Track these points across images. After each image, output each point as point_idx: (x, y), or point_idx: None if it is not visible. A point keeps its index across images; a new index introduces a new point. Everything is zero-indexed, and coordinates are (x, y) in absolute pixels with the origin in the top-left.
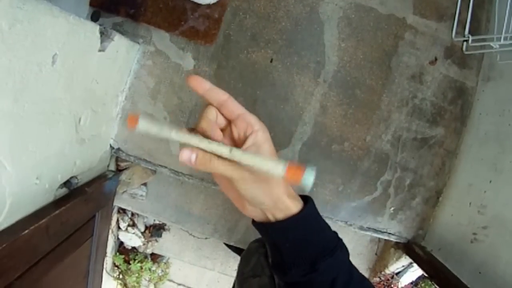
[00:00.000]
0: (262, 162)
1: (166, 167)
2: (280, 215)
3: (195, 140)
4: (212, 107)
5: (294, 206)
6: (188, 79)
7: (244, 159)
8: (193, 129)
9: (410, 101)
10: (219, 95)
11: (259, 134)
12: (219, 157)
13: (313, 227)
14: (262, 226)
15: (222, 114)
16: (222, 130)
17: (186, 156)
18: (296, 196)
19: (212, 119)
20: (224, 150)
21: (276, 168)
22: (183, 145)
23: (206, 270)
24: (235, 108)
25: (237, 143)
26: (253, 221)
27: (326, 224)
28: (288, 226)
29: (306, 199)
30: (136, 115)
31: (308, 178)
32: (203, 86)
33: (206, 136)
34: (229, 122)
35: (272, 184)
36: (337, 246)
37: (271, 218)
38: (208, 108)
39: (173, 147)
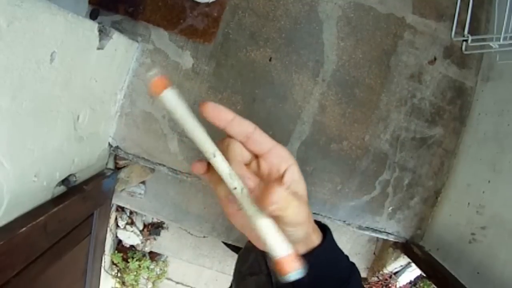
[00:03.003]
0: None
1: (164, 166)
2: (302, 248)
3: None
4: (237, 143)
5: (316, 238)
6: (204, 107)
7: (246, 205)
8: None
9: (409, 101)
10: (244, 126)
11: (295, 170)
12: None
13: (332, 260)
14: None
15: (247, 148)
16: (246, 165)
17: (199, 170)
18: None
19: (241, 160)
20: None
21: (279, 247)
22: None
23: (204, 268)
24: (265, 141)
25: (265, 179)
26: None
27: (341, 251)
28: (310, 262)
29: (321, 226)
30: (166, 82)
31: (294, 276)
32: (225, 116)
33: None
34: (255, 156)
35: (303, 205)
36: (351, 274)
37: None
38: (232, 144)
39: (172, 145)
